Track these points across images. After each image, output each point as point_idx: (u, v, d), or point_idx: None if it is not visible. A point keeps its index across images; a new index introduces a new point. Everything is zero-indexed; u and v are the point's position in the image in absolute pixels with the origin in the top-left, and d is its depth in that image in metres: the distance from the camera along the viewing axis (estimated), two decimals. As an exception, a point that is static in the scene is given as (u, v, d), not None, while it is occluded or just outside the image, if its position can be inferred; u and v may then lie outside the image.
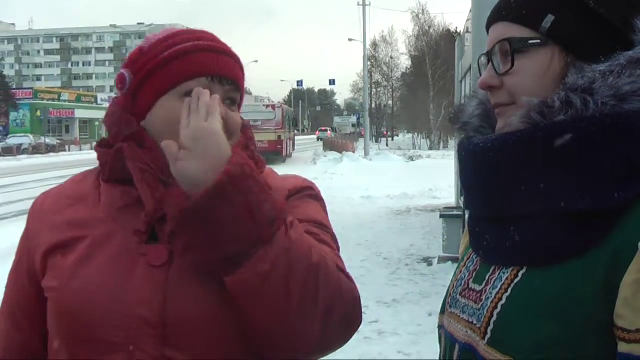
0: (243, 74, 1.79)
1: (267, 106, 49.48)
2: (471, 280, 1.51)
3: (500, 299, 1.37)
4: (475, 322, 1.43)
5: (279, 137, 45.51)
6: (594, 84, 1.30)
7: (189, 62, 1.68)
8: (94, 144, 1.86)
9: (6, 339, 1.81)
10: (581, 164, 1.28)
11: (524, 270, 1.36)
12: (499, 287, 1.39)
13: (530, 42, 1.39)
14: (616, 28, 1.35)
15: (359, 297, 1.64)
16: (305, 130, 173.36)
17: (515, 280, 1.36)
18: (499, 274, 1.41)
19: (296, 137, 63.85)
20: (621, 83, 1.29)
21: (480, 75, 1.52)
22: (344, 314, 1.58)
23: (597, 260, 1.25)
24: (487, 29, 1.51)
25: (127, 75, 1.73)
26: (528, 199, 1.35)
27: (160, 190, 1.60)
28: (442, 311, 1.61)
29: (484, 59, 1.52)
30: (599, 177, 1.27)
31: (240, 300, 1.51)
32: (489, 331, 1.37)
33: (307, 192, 1.83)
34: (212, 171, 1.46)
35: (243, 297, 1.50)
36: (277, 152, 44.29)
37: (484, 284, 1.45)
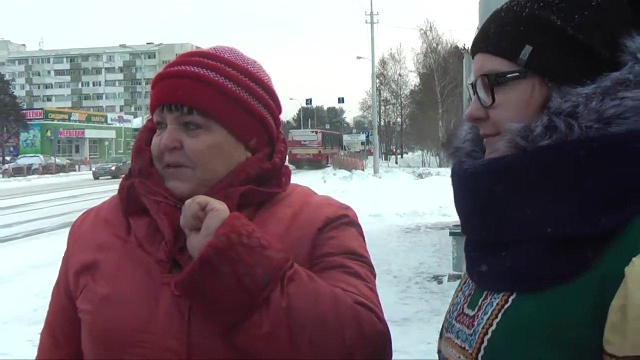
0: (214, 89, 1.69)
1: (313, 131, 76.37)
2: (466, 305, 1.49)
3: (491, 325, 1.36)
4: (467, 347, 1.42)
5: (320, 151, 67.63)
6: (578, 108, 1.29)
7: (152, 95, 1.72)
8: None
9: (45, 356, 1.86)
10: (566, 189, 1.28)
11: (514, 296, 1.35)
12: (489, 312, 1.38)
13: (509, 75, 1.38)
14: (598, 51, 1.33)
15: (384, 331, 1.62)
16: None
17: (506, 306, 1.35)
18: (490, 299, 1.40)
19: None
20: (605, 106, 1.27)
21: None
22: (367, 353, 1.57)
23: (586, 285, 1.23)
24: (473, 57, 1.50)
25: None
26: (515, 224, 1.34)
27: (177, 218, 1.60)
28: (441, 336, 1.60)
29: (471, 90, 1.50)
30: (584, 201, 1.26)
31: (249, 354, 1.53)
32: (479, 357, 1.36)
33: (342, 220, 1.78)
34: (207, 237, 1.51)
35: (253, 354, 1.52)
36: (319, 161, 67.14)
37: (476, 309, 1.44)
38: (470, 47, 1.52)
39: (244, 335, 1.50)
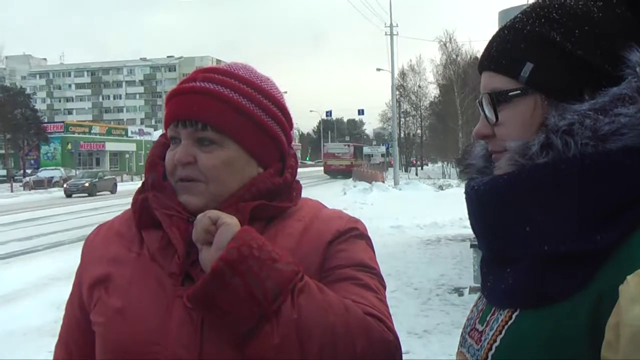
0: (227, 106, 1.71)
1: (345, 144, 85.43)
2: (477, 320, 1.50)
3: (495, 341, 1.37)
4: None
5: (351, 162, 71.91)
6: (574, 125, 1.28)
7: (166, 110, 1.75)
8: (132, 176, 1.90)
9: None
10: (561, 207, 1.27)
11: (517, 313, 1.35)
12: (494, 328, 1.39)
13: (511, 93, 1.37)
14: (599, 66, 1.32)
15: (394, 341, 1.64)
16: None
17: (509, 322, 1.35)
18: (497, 315, 1.41)
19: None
20: (599, 124, 1.26)
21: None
22: None
23: (582, 303, 1.23)
24: (480, 74, 1.50)
25: None
26: (517, 241, 1.34)
27: (189, 231, 1.63)
28: (458, 349, 1.60)
29: (479, 107, 1.49)
30: (579, 219, 1.25)
31: None
32: None
33: (352, 233, 1.79)
34: (219, 251, 1.54)
35: None
36: (350, 171, 67.73)
37: (484, 325, 1.44)
38: (478, 65, 1.51)
39: (255, 347, 1.51)
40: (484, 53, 1.47)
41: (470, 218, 1.51)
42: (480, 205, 1.43)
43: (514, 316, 1.35)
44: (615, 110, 1.26)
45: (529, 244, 1.31)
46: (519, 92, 1.37)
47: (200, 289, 1.51)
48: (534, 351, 1.27)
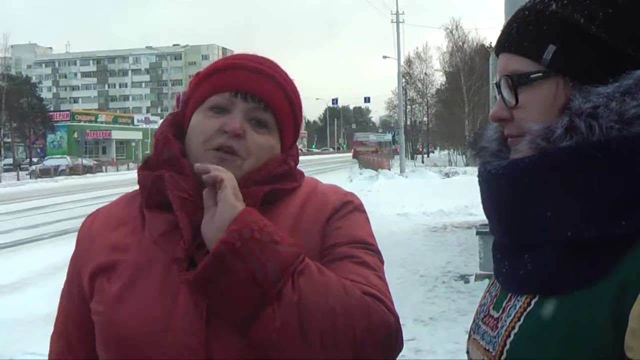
0: (285, 97, 1.79)
1: (371, 134, 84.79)
2: (492, 306, 1.48)
3: (514, 328, 1.35)
4: (491, 349, 1.40)
5: (376, 149, 68.35)
6: (598, 108, 1.26)
7: (218, 78, 1.74)
8: (138, 164, 1.87)
9: (60, 358, 1.85)
10: (586, 192, 1.25)
11: (536, 299, 1.33)
12: (512, 315, 1.37)
13: (532, 76, 1.35)
14: (622, 50, 1.30)
15: (394, 322, 1.63)
16: (340, 149, 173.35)
17: (528, 309, 1.33)
18: (514, 301, 1.38)
19: (330, 155, 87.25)
20: (626, 107, 1.24)
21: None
22: (377, 344, 1.58)
23: (605, 290, 1.21)
24: (497, 56, 1.48)
25: (181, 95, 1.82)
26: (536, 227, 1.32)
27: (198, 218, 1.62)
28: (469, 336, 1.58)
29: (496, 90, 1.47)
30: (604, 205, 1.23)
31: (263, 350, 1.54)
32: None
33: (348, 208, 1.80)
34: (220, 232, 1.54)
35: (264, 348, 1.54)
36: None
37: (500, 311, 1.42)
38: (494, 47, 1.50)
39: (257, 329, 1.52)
40: (502, 34, 1.45)
41: (484, 203, 1.49)
42: (498, 189, 1.41)
43: (532, 303, 1.33)
44: None
45: (551, 229, 1.29)
46: (541, 74, 1.35)
47: (202, 272, 1.51)
48: (555, 338, 1.25)
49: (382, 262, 1.77)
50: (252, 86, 1.73)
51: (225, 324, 1.57)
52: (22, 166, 71.34)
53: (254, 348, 1.56)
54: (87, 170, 67.66)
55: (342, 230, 1.74)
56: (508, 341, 1.34)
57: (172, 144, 1.74)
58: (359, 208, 1.84)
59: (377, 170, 45.88)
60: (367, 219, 1.85)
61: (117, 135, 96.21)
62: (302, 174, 1.87)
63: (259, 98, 1.73)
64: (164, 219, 1.70)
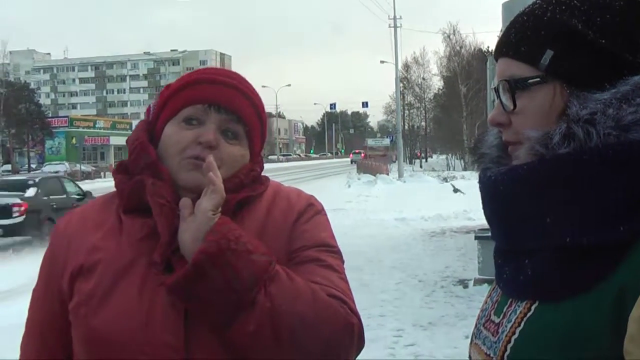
0: (254, 109, 1.88)
1: (380, 139, 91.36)
2: (493, 311, 1.48)
3: (514, 333, 1.35)
4: (492, 354, 1.40)
5: (384, 154, 79.14)
6: (596, 115, 1.26)
7: (191, 91, 1.82)
8: (111, 168, 1.91)
9: (34, 358, 1.87)
10: (583, 198, 1.25)
11: (536, 304, 1.33)
12: (513, 320, 1.37)
13: (530, 81, 1.35)
14: (620, 55, 1.30)
15: (357, 323, 1.72)
16: (338, 154, 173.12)
17: (528, 314, 1.33)
18: (514, 307, 1.39)
19: (329, 161, 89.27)
20: (623, 113, 1.25)
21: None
22: (341, 345, 1.70)
23: (605, 295, 1.21)
24: (496, 61, 1.48)
25: (152, 107, 1.88)
26: (536, 233, 1.32)
27: (175, 223, 1.70)
28: (471, 341, 1.59)
29: (494, 94, 1.48)
30: (602, 210, 1.24)
31: (238, 349, 1.63)
32: None
33: (311, 212, 1.90)
34: (198, 241, 1.62)
35: (239, 348, 1.63)
36: (384, 157, 78.51)
37: (501, 317, 1.42)
38: (493, 51, 1.50)
39: (233, 333, 1.61)
40: (501, 39, 1.45)
41: (484, 208, 1.50)
42: (498, 196, 1.41)
43: (533, 308, 1.33)
44: (638, 100, 1.25)
45: (550, 235, 1.30)
46: (538, 79, 1.35)
47: (182, 280, 1.59)
48: (555, 343, 1.25)
49: (343, 262, 1.88)
50: (224, 99, 1.81)
51: (204, 323, 1.64)
52: (20, 172, 71.13)
53: (232, 347, 1.63)
54: (86, 176, 67.42)
55: (308, 234, 1.84)
56: (508, 346, 1.35)
57: (149, 150, 1.80)
58: (319, 210, 1.94)
59: (375, 175, 45.83)
60: (328, 221, 1.95)
61: (115, 141, 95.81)
62: (267, 178, 1.95)
63: (231, 110, 1.81)
64: (142, 223, 1.75)
